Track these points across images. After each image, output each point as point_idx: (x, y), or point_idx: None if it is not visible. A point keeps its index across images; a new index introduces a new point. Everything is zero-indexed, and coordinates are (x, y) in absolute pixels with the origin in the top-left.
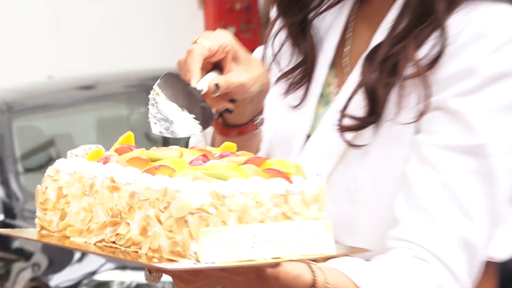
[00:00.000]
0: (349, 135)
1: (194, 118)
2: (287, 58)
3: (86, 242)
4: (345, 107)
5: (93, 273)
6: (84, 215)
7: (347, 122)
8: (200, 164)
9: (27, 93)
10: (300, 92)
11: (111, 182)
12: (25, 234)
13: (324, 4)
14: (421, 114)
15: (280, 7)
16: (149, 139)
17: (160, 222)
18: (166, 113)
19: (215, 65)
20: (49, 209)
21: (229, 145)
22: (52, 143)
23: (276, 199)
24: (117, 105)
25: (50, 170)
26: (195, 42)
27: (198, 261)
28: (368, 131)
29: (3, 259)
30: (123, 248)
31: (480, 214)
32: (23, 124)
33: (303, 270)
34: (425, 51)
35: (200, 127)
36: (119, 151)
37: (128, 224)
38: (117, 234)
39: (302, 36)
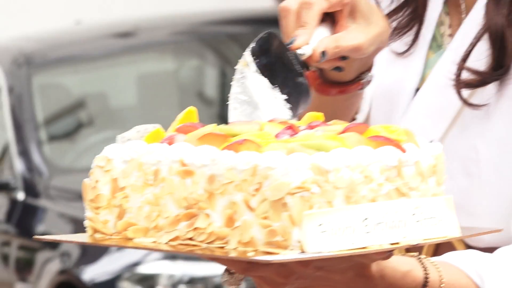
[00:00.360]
0: (466, 92)
1: (285, 99)
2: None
3: (155, 242)
4: (465, 57)
5: (136, 264)
6: (149, 210)
7: (465, 76)
8: (288, 137)
9: (50, 42)
10: (408, 38)
11: (182, 166)
12: (75, 238)
13: None
14: None
15: None
16: (203, 100)
17: (250, 208)
18: (252, 93)
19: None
20: (103, 207)
21: (315, 114)
22: (82, 104)
23: (388, 172)
24: (162, 56)
25: (98, 160)
26: None
27: (303, 251)
28: (490, 88)
29: (26, 248)
30: (204, 245)
31: None
32: (46, 81)
33: (413, 267)
34: None
35: (290, 112)
36: (182, 131)
37: (208, 215)
38: (195, 228)
39: None
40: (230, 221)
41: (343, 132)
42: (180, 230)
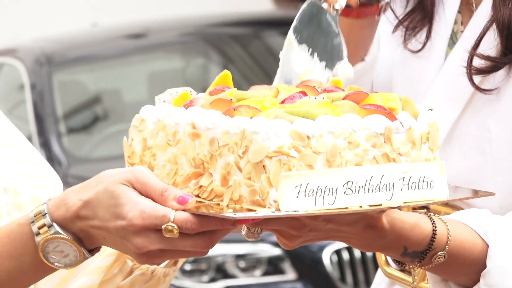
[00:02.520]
0: (477, 79)
1: (324, 66)
2: (402, 4)
3: None
4: (476, 46)
5: None
6: (169, 168)
7: (477, 63)
8: (292, 102)
9: (68, 43)
10: (422, 36)
11: (192, 129)
12: None
13: None
14: None
15: None
16: None
17: (239, 169)
18: (294, 65)
19: None
20: (136, 163)
21: (335, 80)
22: (98, 99)
23: (375, 139)
24: (170, 56)
25: (135, 119)
26: None
27: (278, 210)
28: (500, 73)
29: None
30: (206, 202)
31: None
32: (65, 78)
33: (421, 220)
34: None
35: (327, 76)
36: (212, 94)
37: (211, 174)
38: (200, 186)
39: None
40: (225, 181)
41: (343, 98)
42: (190, 187)
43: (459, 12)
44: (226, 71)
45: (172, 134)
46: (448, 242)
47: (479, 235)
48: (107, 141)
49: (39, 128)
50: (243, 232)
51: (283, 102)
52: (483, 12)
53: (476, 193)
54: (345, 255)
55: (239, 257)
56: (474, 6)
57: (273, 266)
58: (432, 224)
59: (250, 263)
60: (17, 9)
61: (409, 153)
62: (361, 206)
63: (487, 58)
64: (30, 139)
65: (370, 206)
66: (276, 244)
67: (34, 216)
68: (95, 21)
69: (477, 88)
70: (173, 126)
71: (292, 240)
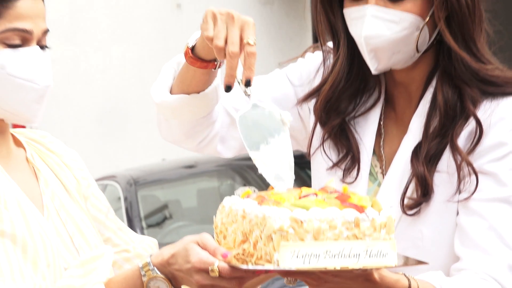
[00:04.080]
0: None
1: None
2: (334, 151)
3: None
4: (404, 191)
5: None
6: (233, 237)
7: (407, 202)
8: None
9: (148, 171)
10: (353, 173)
11: (243, 213)
12: None
13: (357, 111)
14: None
15: (322, 114)
16: None
17: (261, 238)
18: None
19: None
20: (218, 232)
21: (345, 187)
22: (166, 206)
23: (348, 224)
24: (211, 179)
25: (220, 205)
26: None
27: (277, 265)
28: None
29: None
30: (246, 259)
31: None
32: (146, 193)
33: (400, 277)
34: (463, 139)
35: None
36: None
37: (250, 242)
38: (243, 249)
39: (343, 134)
40: (254, 246)
41: (336, 198)
42: (240, 249)
43: (378, 160)
44: (248, 188)
45: (234, 216)
46: None
47: (435, 287)
48: (172, 233)
49: (129, 225)
50: (284, 281)
51: (300, 198)
52: (397, 165)
53: (413, 262)
54: None
55: None
56: (384, 157)
57: None
58: (408, 280)
59: None
60: (116, 149)
61: (371, 235)
62: (335, 267)
63: (413, 199)
64: None
65: (341, 267)
66: None
67: (142, 264)
68: (164, 157)
69: (405, 213)
70: (235, 210)
71: (317, 286)
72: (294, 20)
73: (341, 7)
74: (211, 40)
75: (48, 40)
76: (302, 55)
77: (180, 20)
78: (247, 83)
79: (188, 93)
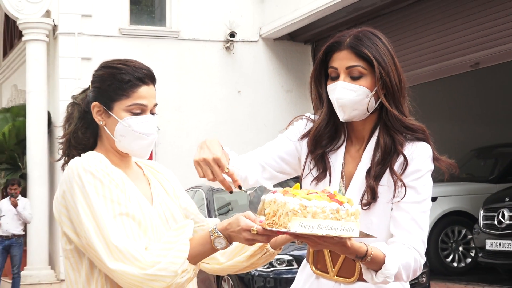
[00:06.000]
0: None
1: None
2: (315, 170)
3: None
4: (362, 196)
5: None
6: (268, 212)
7: (363, 202)
8: (310, 194)
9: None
10: (326, 184)
11: (274, 199)
12: None
13: (332, 147)
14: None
15: (311, 146)
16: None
17: (282, 214)
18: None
19: None
20: (259, 211)
21: (335, 192)
22: (229, 203)
23: (332, 211)
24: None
25: (261, 197)
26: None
27: (289, 230)
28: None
29: None
30: (274, 226)
31: (426, 229)
32: (218, 196)
33: (362, 244)
34: (397, 166)
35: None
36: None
37: (276, 216)
38: (272, 220)
39: (322, 161)
40: (278, 218)
41: (328, 195)
42: (269, 221)
43: (342, 177)
44: (297, 184)
45: (268, 202)
46: (371, 253)
47: (382, 252)
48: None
49: (208, 214)
50: (296, 242)
51: (308, 194)
52: (355, 181)
53: (368, 236)
54: None
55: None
56: (345, 177)
57: None
58: (366, 246)
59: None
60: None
61: (346, 218)
62: (322, 235)
63: (367, 200)
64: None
65: (326, 235)
66: None
67: (211, 230)
68: None
69: (363, 209)
70: (269, 199)
71: (313, 247)
72: (307, 102)
73: (326, 84)
74: (203, 177)
75: (157, 110)
76: (291, 123)
77: (240, 100)
78: (240, 187)
79: None
